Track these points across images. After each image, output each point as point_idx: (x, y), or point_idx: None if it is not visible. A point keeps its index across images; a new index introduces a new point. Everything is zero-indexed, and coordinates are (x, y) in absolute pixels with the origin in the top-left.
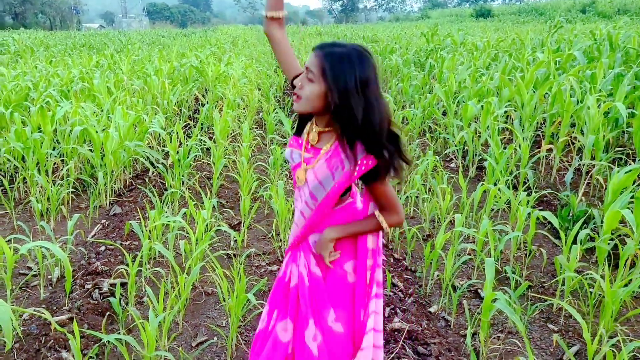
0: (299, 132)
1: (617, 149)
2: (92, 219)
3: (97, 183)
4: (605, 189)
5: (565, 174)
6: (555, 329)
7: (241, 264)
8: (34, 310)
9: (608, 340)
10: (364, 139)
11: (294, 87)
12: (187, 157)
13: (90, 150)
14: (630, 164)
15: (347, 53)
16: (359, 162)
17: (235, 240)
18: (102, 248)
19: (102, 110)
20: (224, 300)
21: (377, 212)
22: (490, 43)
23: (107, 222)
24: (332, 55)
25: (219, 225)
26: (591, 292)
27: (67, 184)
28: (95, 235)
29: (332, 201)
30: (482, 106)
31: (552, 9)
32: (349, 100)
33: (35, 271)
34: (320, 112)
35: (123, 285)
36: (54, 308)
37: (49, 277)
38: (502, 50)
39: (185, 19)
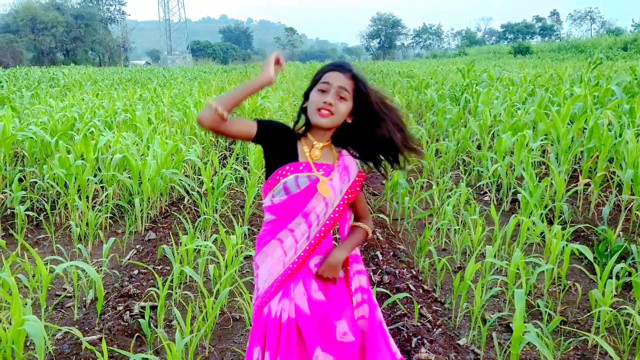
0: (291, 160)
1: None
2: (127, 243)
3: (134, 209)
4: None
5: (603, 209)
6: None
7: None
8: (67, 329)
9: None
10: (380, 148)
11: (258, 139)
12: (221, 186)
13: (129, 177)
14: None
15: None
16: (360, 173)
17: None
18: (136, 272)
19: (141, 140)
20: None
21: (357, 223)
22: (526, 78)
23: (141, 247)
24: (357, 77)
25: (251, 251)
26: (627, 329)
27: (105, 210)
28: (129, 259)
29: (344, 212)
30: (516, 139)
31: (592, 46)
32: (377, 115)
33: (70, 292)
34: (337, 127)
35: (153, 308)
36: (86, 328)
37: (83, 298)
38: (538, 86)
39: (226, 56)
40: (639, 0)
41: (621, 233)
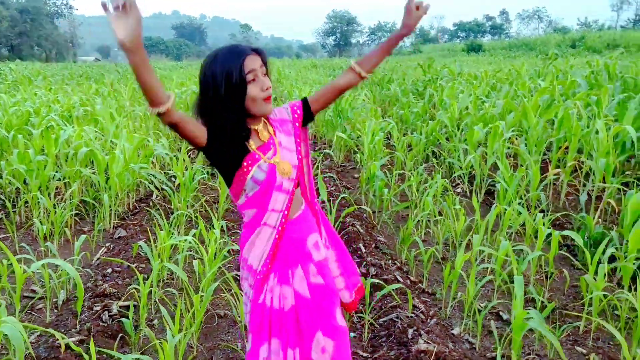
0: (241, 157)
1: (626, 172)
2: (96, 242)
3: (101, 206)
4: (618, 212)
5: (573, 197)
6: (584, 351)
7: None
8: (45, 330)
9: None
10: None
11: (207, 148)
12: (193, 180)
13: (94, 173)
14: None
15: None
16: (294, 107)
17: None
18: (109, 270)
19: (103, 135)
20: (242, 322)
21: (352, 65)
22: (487, 73)
23: (111, 245)
24: (259, 49)
25: (231, 245)
26: (623, 313)
27: (70, 207)
28: (99, 257)
29: (308, 155)
30: (488, 131)
31: (542, 44)
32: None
33: (41, 293)
34: None
35: (134, 307)
36: (62, 331)
37: (54, 299)
38: (499, 81)
39: (180, 52)
40: (582, 0)
41: (600, 220)
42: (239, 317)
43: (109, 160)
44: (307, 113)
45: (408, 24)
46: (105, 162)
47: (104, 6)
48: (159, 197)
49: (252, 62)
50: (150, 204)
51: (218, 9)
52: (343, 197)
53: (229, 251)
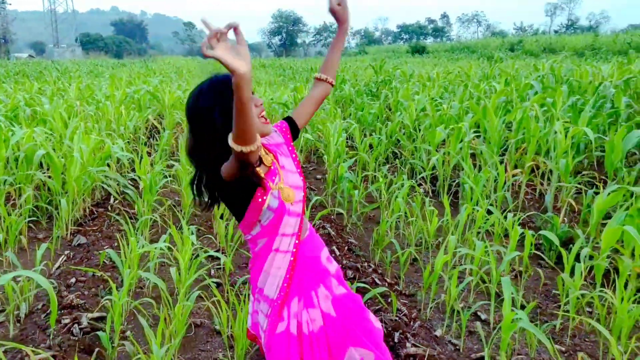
0: (253, 190)
1: (583, 172)
2: (55, 249)
3: (58, 211)
4: (578, 211)
5: (531, 197)
6: (563, 349)
7: (234, 293)
8: (15, 346)
9: (630, 358)
10: None
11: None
12: (158, 184)
13: (49, 176)
14: (596, 186)
15: None
16: (281, 126)
17: (218, 268)
18: (73, 280)
19: (54, 135)
20: (222, 332)
21: (317, 76)
22: (439, 75)
23: (71, 253)
24: None
25: (206, 252)
26: (591, 312)
27: (25, 213)
28: (60, 266)
29: (302, 174)
30: (450, 132)
31: (482, 47)
32: None
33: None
34: None
35: (102, 319)
36: (31, 346)
37: (16, 312)
38: (451, 82)
39: (120, 49)
40: (518, 6)
41: (565, 219)
42: (217, 326)
43: (67, 163)
44: (294, 131)
45: (341, 20)
46: (61, 165)
47: (205, 22)
48: (117, 202)
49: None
50: (109, 208)
51: (159, 6)
52: (312, 200)
53: (207, 257)
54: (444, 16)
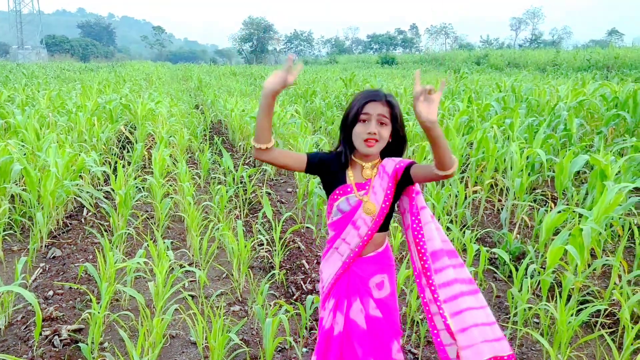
0: (338, 180)
1: (535, 191)
2: (30, 262)
3: (33, 224)
4: (531, 227)
5: (490, 212)
6: None
7: (209, 305)
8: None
9: None
10: (400, 151)
11: (310, 171)
12: (134, 197)
13: (24, 189)
14: (548, 204)
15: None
16: (397, 167)
17: (192, 281)
18: (50, 293)
19: (27, 147)
20: (198, 343)
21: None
22: (407, 90)
23: (46, 266)
24: (392, 103)
25: (182, 266)
26: (538, 322)
27: (0, 226)
28: (36, 279)
29: (386, 209)
30: (415, 149)
31: (450, 59)
32: (404, 130)
33: None
34: (379, 150)
35: (79, 330)
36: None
37: None
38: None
39: (87, 52)
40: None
41: (518, 236)
42: (192, 337)
43: (42, 177)
44: (407, 176)
45: (421, 115)
46: (37, 179)
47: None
48: (90, 214)
49: (373, 108)
50: (83, 220)
51: (127, 9)
52: (284, 215)
53: (185, 273)
54: (413, 27)
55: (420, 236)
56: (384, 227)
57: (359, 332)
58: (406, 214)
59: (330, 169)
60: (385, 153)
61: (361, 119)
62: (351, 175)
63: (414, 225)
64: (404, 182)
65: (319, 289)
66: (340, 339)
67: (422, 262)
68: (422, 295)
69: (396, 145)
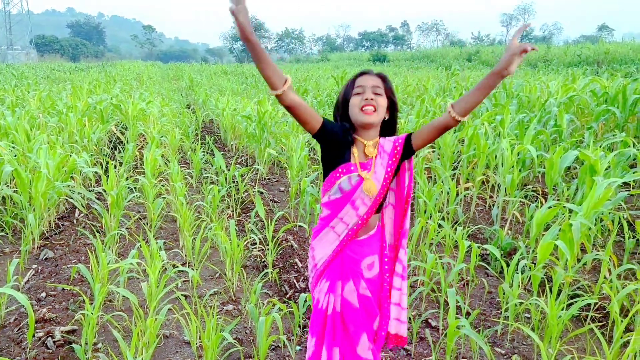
0: (344, 161)
1: (526, 187)
2: (23, 264)
3: (25, 226)
4: (522, 223)
5: (481, 209)
6: (503, 352)
7: (202, 305)
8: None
9: (558, 358)
10: (393, 129)
11: (320, 135)
12: (126, 198)
13: (15, 191)
14: (539, 200)
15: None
16: (396, 143)
17: (185, 281)
18: (43, 294)
19: (18, 149)
20: (192, 343)
21: (448, 107)
22: (398, 88)
23: (39, 267)
24: (384, 77)
25: (174, 266)
26: (529, 317)
27: None
28: (28, 281)
29: (385, 189)
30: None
31: (441, 56)
32: (396, 106)
33: None
34: (380, 122)
35: (73, 332)
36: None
37: None
38: (409, 95)
39: (77, 52)
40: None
41: (509, 231)
42: (186, 337)
43: (34, 179)
44: (408, 148)
45: (508, 67)
46: (28, 180)
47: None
48: (82, 215)
49: (366, 80)
50: (75, 222)
51: (117, 8)
52: (277, 214)
53: (178, 272)
54: (404, 24)
55: (405, 218)
56: (378, 208)
57: (353, 310)
58: (390, 192)
59: (338, 141)
60: (381, 132)
61: (355, 92)
62: (356, 153)
63: (404, 204)
64: (407, 154)
65: (309, 267)
66: (333, 317)
67: (398, 237)
68: (387, 267)
69: (391, 124)
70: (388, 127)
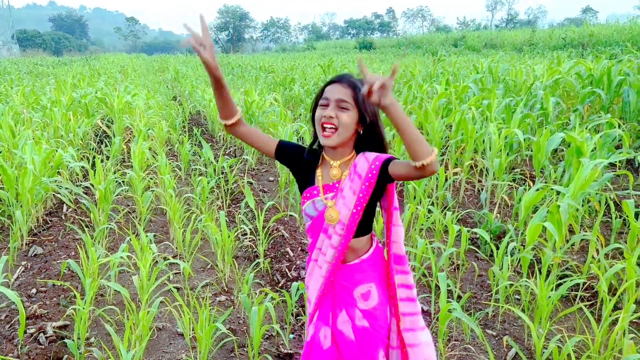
0: (309, 184)
1: (514, 170)
2: (11, 260)
3: (13, 222)
4: (511, 206)
5: (470, 193)
6: (494, 333)
7: (195, 296)
8: None
9: (548, 338)
10: (378, 144)
11: (279, 158)
12: (115, 192)
13: (1, 188)
14: (526, 182)
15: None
16: (372, 167)
17: (176, 273)
18: (33, 290)
19: (3, 145)
20: (185, 334)
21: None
22: (385, 74)
23: (28, 264)
24: (356, 85)
25: (165, 259)
26: (519, 299)
27: None
28: (18, 278)
29: (358, 216)
30: (395, 134)
31: (427, 42)
32: (377, 119)
33: None
34: (349, 140)
35: (65, 327)
36: None
37: None
38: (396, 82)
39: (59, 46)
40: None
41: (498, 215)
42: (179, 329)
43: (20, 175)
44: (384, 176)
45: (380, 102)
46: (14, 177)
47: (188, 28)
48: (70, 210)
49: (333, 91)
50: (63, 217)
51: (99, 1)
52: (267, 204)
53: (169, 265)
54: (390, 11)
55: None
56: (362, 231)
57: (347, 343)
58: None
59: (300, 164)
60: (361, 148)
61: (320, 104)
62: (319, 175)
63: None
64: (383, 181)
65: (307, 306)
66: (331, 353)
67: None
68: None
69: (372, 138)
70: (370, 141)
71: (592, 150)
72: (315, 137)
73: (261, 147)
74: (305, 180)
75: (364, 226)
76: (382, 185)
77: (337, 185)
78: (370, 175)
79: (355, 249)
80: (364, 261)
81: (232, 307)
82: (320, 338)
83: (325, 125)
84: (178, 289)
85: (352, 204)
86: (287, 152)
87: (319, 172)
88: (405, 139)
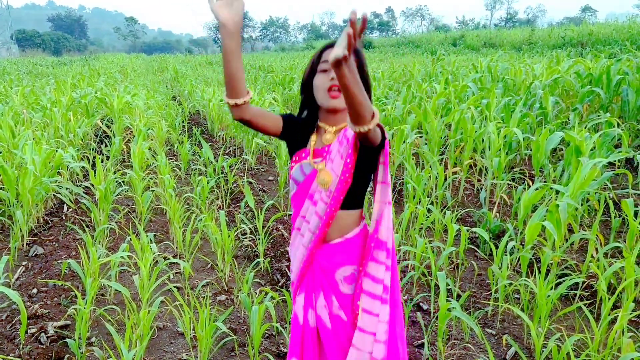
0: (301, 146)
1: (513, 169)
2: (12, 261)
3: (13, 223)
4: (510, 205)
5: (470, 192)
6: (494, 332)
7: (195, 296)
8: None
9: (547, 336)
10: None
11: (283, 137)
12: (115, 192)
13: (1, 188)
14: (526, 182)
15: None
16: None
17: (176, 273)
18: (34, 290)
19: (3, 145)
20: (185, 334)
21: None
22: (384, 74)
23: (29, 264)
24: (358, 50)
25: (166, 258)
26: (518, 298)
27: None
28: (19, 278)
29: (346, 184)
30: (394, 132)
31: (426, 42)
32: (369, 82)
33: None
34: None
35: (66, 327)
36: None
37: None
38: (395, 81)
39: (59, 46)
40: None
41: (497, 214)
42: (179, 328)
43: (20, 175)
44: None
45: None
46: (15, 177)
47: None
48: (71, 210)
49: None
50: (63, 217)
51: (98, 0)
52: (267, 203)
53: (169, 265)
54: (389, 10)
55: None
56: (351, 204)
57: (325, 330)
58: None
59: (298, 131)
60: None
61: (320, 69)
62: (313, 140)
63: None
64: (367, 149)
65: (292, 280)
66: (312, 333)
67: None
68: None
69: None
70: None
71: (591, 150)
72: (304, 107)
73: (270, 130)
74: (298, 145)
75: (353, 197)
76: (368, 153)
77: (324, 149)
78: (355, 138)
79: (341, 226)
80: (348, 240)
81: (233, 306)
82: (307, 320)
83: (333, 88)
84: (178, 288)
85: (339, 169)
86: (290, 123)
87: (313, 137)
88: (347, 99)
